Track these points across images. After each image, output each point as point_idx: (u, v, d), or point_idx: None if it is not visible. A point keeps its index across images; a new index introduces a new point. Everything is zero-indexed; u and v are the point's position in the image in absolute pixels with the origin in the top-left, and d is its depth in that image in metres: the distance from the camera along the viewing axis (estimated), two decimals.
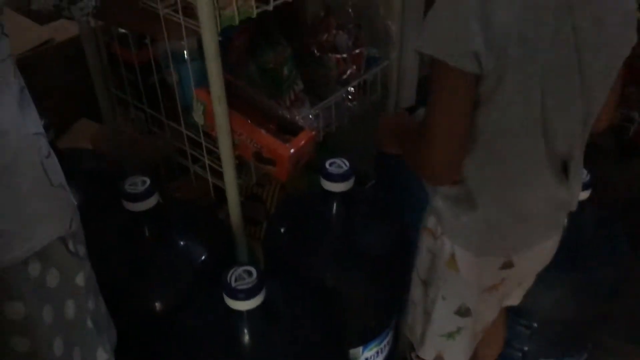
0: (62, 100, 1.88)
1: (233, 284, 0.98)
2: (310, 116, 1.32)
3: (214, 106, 1.17)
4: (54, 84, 1.88)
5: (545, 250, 1.11)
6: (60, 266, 0.86)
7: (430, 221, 1.08)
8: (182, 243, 1.27)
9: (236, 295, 0.98)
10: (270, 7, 1.18)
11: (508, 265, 1.06)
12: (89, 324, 0.94)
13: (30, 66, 1.88)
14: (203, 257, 1.27)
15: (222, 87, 1.15)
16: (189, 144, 1.37)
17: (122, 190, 1.17)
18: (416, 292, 1.17)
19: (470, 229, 1.01)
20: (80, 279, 0.90)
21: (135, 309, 1.21)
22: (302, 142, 1.22)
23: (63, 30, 1.89)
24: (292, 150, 1.19)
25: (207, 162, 1.34)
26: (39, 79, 1.92)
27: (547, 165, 0.95)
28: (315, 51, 1.53)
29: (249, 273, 1.00)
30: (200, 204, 1.47)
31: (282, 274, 1.27)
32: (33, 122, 0.83)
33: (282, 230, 1.33)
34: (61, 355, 0.89)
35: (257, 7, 1.16)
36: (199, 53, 1.32)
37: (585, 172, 1.23)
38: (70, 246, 0.87)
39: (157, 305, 1.18)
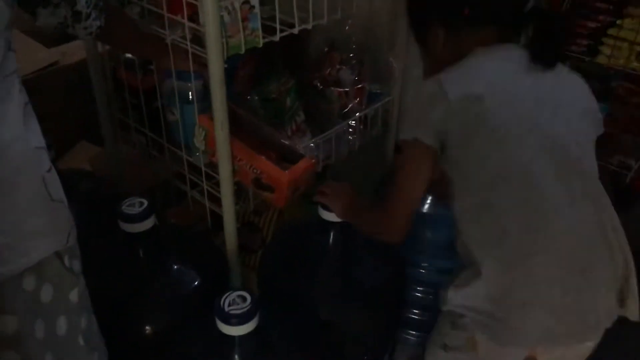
0: (63, 123, 1.89)
1: (226, 309, 0.97)
2: (312, 144, 1.33)
3: (216, 132, 1.18)
4: (56, 106, 1.90)
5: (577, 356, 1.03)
6: (55, 281, 0.86)
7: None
8: (176, 267, 1.26)
9: (229, 320, 0.97)
10: (277, 38, 1.20)
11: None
12: (81, 341, 0.93)
13: (34, 87, 1.89)
14: (197, 282, 1.27)
15: (225, 113, 1.16)
16: (188, 169, 1.38)
17: (119, 211, 1.17)
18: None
19: (484, 310, 0.97)
20: (74, 295, 0.90)
21: (127, 331, 1.20)
22: (301, 169, 1.23)
23: (69, 54, 1.93)
24: (290, 177, 1.20)
25: (205, 187, 1.35)
26: (42, 100, 1.93)
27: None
28: (319, 84, 1.56)
29: (243, 298, 0.99)
30: (196, 229, 1.47)
31: (276, 302, 1.26)
32: (35, 136, 0.84)
33: (277, 258, 1.33)
34: None
35: (263, 38, 1.18)
36: (203, 94, 1.36)
37: None
38: (66, 261, 0.87)
39: (149, 327, 1.17)
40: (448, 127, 0.95)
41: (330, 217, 1.21)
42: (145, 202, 1.19)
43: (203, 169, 1.33)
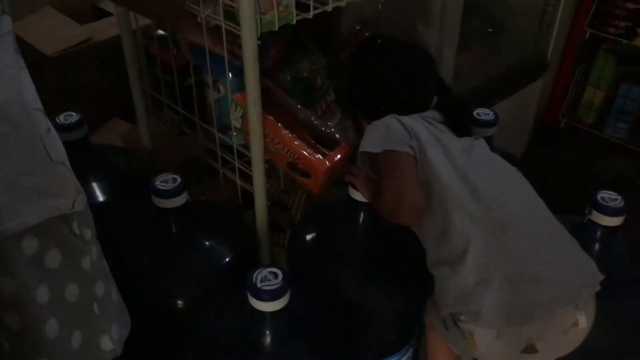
0: (95, 99, 1.91)
1: (258, 284, 0.98)
2: (346, 133, 1.32)
3: (249, 109, 1.18)
4: (89, 82, 1.92)
5: (570, 334, 1.07)
6: (63, 247, 0.84)
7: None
8: (207, 243, 1.28)
9: (260, 295, 0.98)
10: (310, 15, 1.19)
11: (530, 349, 1.05)
12: (96, 309, 0.93)
13: (67, 64, 1.92)
14: (227, 259, 1.28)
15: (259, 90, 1.16)
16: (220, 146, 1.38)
17: (153, 186, 1.18)
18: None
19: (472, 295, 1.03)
20: (85, 263, 0.89)
21: (158, 305, 1.22)
22: (338, 156, 1.23)
23: (102, 30, 1.94)
24: (328, 165, 1.20)
25: (236, 164, 1.35)
26: (75, 76, 1.96)
27: None
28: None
29: (275, 275, 1.00)
30: (227, 207, 1.48)
31: (306, 281, 1.26)
32: (32, 98, 0.82)
33: (307, 238, 1.33)
34: (55, 337, 0.87)
35: (296, 15, 1.17)
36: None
37: (619, 197, 1.21)
38: (75, 228, 0.86)
39: (180, 301, 1.19)
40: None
41: (359, 196, 1.21)
42: (179, 178, 1.20)
43: (235, 147, 1.33)
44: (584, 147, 2.33)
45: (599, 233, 1.21)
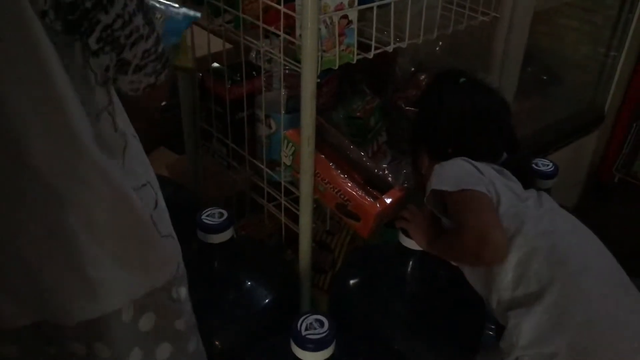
0: (144, 127, 1.92)
1: (303, 332, 0.93)
2: (404, 171, 1.28)
3: (302, 146, 1.15)
4: (138, 109, 1.93)
5: None
6: (159, 312, 0.85)
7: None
8: (250, 281, 1.24)
9: (305, 345, 0.93)
10: (371, 55, 1.17)
11: None
12: None
13: (118, 90, 1.95)
14: (268, 299, 1.23)
15: (314, 128, 1.13)
16: (267, 182, 1.36)
17: (199, 220, 1.15)
18: None
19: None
20: (180, 324, 0.89)
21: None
22: (390, 200, 1.19)
23: None
24: (379, 208, 1.16)
25: (283, 201, 1.32)
26: (125, 103, 1.98)
27: None
28: (403, 105, 1.51)
29: (321, 323, 0.95)
30: (269, 244, 1.44)
31: (348, 327, 1.21)
32: (143, 172, 0.83)
33: (352, 282, 1.28)
34: None
35: (357, 54, 1.15)
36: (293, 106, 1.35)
37: None
38: (173, 292, 0.86)
39: (219, 342, 1.14)
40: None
41: (411, 244, 1.16)
42: (225, 213, 1.17)
43: (283, 183, 1.30)
44: (638, 203, 2.23)
45: None
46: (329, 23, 1.06)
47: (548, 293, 0.97)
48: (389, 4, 1.15)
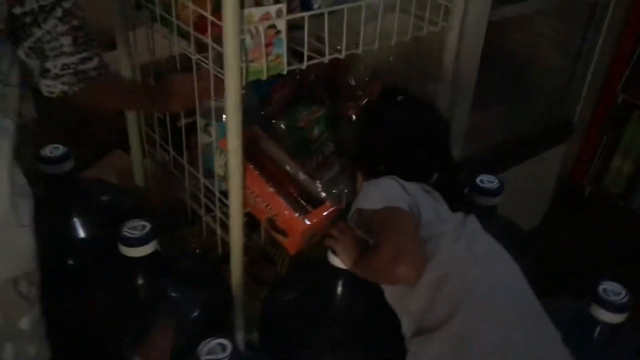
0: (101, 129, 1.88)
1: (203, 358, 0.90)
2: (334, 191, 1.25)
3: (229, 159, 1.11)
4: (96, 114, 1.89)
5: None
6: (5, 307, 0.81)
7: None
8: (175, 296, 1.20)
9: None
10: (304, 66, 1.13)
11: None
12: None
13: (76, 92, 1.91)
14: (195, 314, 1.20)
15: (240, 140, 1.09)
16: (206, 192, 1.32)
17: (119, 234, 1.11)
18: None
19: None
20: (25, 323, 0.84)
21: (117, 357, 1.14)
22: (319, 217, 1.15)
23: (112, 62, 1.92)
24: (306, 225, 1.12)
25: (218, 214, 1.28)
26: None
27: None
28: (353, 115, 1.47)
29: (223, 348, 0.91)
30: (209, 255, 1.40)
31: (276, 344, 1.18)
32: None
33: (281, 300, 1.25)
34: None
35: (290, 64, 1.11)
36: None
37: (624, 291, 1.09)
38: (22, 287, 0.82)
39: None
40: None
41: (338, 262, 1.12)
42: (148, 226, 1.13)
43: (217, 195, 1.26)
44: (607, 218, 2.19)
45: (597, 329, 1.08)
46: (254, 33, 1.02)
47: (451, 322, 0.94)
48: (322, 14, 1.11)
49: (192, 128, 1.36)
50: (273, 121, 1.38)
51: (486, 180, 1.34)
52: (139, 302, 1.17)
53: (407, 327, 1.02)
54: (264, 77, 1.07)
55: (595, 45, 1.92)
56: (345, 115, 1.50)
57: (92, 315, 1.18)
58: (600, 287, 1.10)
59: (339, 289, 1.15)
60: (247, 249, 1.56)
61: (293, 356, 1.16)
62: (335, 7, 1.15)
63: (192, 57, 1.14)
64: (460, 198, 1.20)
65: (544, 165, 2.07)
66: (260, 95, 1.51)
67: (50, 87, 0.92)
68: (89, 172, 1.83)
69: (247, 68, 1.04)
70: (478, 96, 1.79)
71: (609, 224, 2.16)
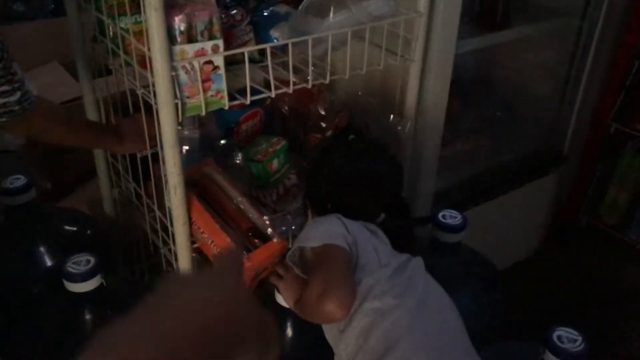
0: (82, 157, 1.90)
1: None
2: (283, 227, 1.23)
3: (170, 196, 1.10)
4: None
5: None
6: None
7: None
8: None
9: None
10: (247, 101, 1.11)
11: None
12: None
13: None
14: None
15: (180, 177, 1.08)
16: (161, 225, 1.31)
17: (63, 269, 1.10)
18: None
19: None
20: None
21: None
22: (263, 255, 1.12)
23: (99, 90, 1.95)
24: (248, 264, 1.10)
25: (172, 247, 1.26)
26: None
27: None
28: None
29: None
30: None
31: None
32: None
33: None
34: None
35: (234, 100, 1.10)
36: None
37: (580, 338, 1.03)
38: None
39: None
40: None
41: (284, 302, 1.09)
42: (93, 260, 1.12)
43: (170, 229, 1.25)
44: (603, 250, 2.10)
45: None
46: (189, 69, 1.01)
47: None
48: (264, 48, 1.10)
49: (157, 158, 1.35)
50: (232, 153, 1.37)
51: (449, 216, 1.30)
52: (84, 337, 1.15)
53: None
54: (203, 112, 1.06)
55: (582, 73, 1.87)
56: (310, 146, 1.49)
57: (38, 349, 1.17)
58: (555, 334, 1.04)
59: (285, 329, 1.12)
60: None
61: None
62: (300, 39, 1.14)
63: (138, 92, 1.14)
64: (408, 238, 1.18)
65: (534, 195, 2.01)
66: (227, 125, 1.50)
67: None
68: (65, 201, 1.84)
69: (183, 104, 1.03)
70: (456, 125, 1.76)
71: (604, 257, 2.08)
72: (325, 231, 1.04)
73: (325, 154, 1.25)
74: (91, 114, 1.46)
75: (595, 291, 1.93)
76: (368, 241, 1.05)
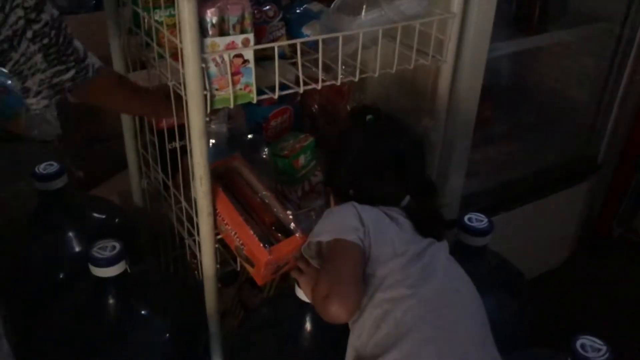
0: (113, 148, 1.94)
1: None
2: (307, 224, 1.22)
3: (196, 186, 1.11)
4: (114, 129, 1.95)
5: None
6: None
7: None
8: (144, 320, 1.20)
9: None
10: (276, 96, 1.12)
11: None
12: None
13: (95, 109, 1.98)
14: (167, 335, 1.20)
15: (206, 168, 1.09)
16: (187, 216, 1.32)
17: (89, 253, 1.13)
18: None
19: None
20: None
21: None
22: (286, 249, 1.13)
23: (141, 80, 1.98)
24: (269, 258, 1.10)
25: (197, 238, 1.28)
26: (100, 122, 2.01)
27: None
28: None
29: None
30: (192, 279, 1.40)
31: None
32: None
33: (253, 326, 1.23)
34: None
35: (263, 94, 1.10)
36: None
37: (604, 347, 1.01)
38: None
39: None
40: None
41: (303, 296, 1.09)
42: (118, 246, 1.14)
43: (195, 220, 1.26)
44: (635, 263, 2.04)
45: None
46: (219, 61, 1.02)
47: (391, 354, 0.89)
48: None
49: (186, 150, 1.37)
50: (260, 148, 1.38)
51: (475, 219, 1.28)
52: (108, 321, 1.18)
53: (348, 356, 0.98)
54: (231, 105, 1.07)
55: (621, 80, 1.82)
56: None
57: (62, 333, 1.20)
58: (579, 342, 1.02)
59: (303, 323, 1.12)
60: (235, 275, 1.57)
61: None
62: (330, 35, 1.14)
63: (169, 84, 1.16)
64: (435, 219, 1.13)
65: (565, 204, 1.97)
66: (256, 121, 1.52)
67: (34, 105, 1.00)
68: (96, 190, 1.88)
69: (212, 96, 1.04)
70: (488, 130, 1.73)
71: (636, 271, 2.02)
72: (337, 224, 1.02)
73: (344, 138, 1.21)
74: None
75: (625, 305, 1.88)
76: (385, 229, 1.03)
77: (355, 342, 0.97)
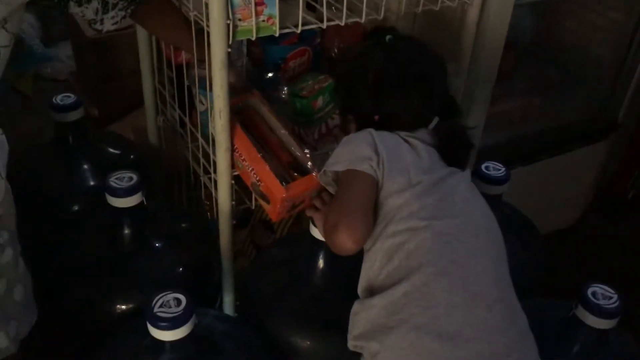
0: (129, 86, 1.93)
1: (156, 310, 0.90)
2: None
3: (215, 119, 1.10)
4: (129, 66, 1.93)
5: None
6: None
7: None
8: (158, 251, 1.22)
9: (158, 324, 0.89)
10: (298, 30, 1.10)
11: None
12: None
13: (113, 46, 1.96)
14: (180, 269, 1.22)
15: (226, 100, 1.08)
16: (203, 153, 1.32)
17: (106, 183, 1.13)
18: None
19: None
20: None
21: (96, 306, 1.17)
22: (302, 187, 1.12)
23: None
24: (285, 194, 1.10)
25: (213, 175, 1.28)
26: (118, 59, 2.00)
27: None
28: None
29: (178, 301, 0.91)
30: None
31: (251, 315, 1.17)
32: None
33: (264, 265, 1.24)
34: None
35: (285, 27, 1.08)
36: None
37: (615, 296, 1.01)
38: None
39: (118, 307, 1.15)
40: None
41: (318, 234, 1.09)
42: (135, 177, 1.14)
43: (212, 157, 1.26)
44: None
45: (582, 334, 1.01)
46: None
47: (393, 291, 0.90)
48: None
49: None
50: (278, 87, 1.36)
51: (492, 167, 1.27)
52: (123, 252, 1.19)
53: (361, 289, 0.98)
54: (253, 37, 1.05)
55: None
56: None
57: (77, 262, 1.22)
58: (590, 290, 1.02)
59: (317, 261, 1.12)
60: (249, 215, 1.58)
61: (265, 325, 1.15)
62: None
63: (190, 14, 1.14)
64: (463, 141, 1.10)
65: (581, 162, 1.95)
66: (275, 62, 1.49)
67: (115, 17, 1.06)
68: (111, 127, 1.88)
69: (234, 26, 1.02)
70: (508, 82, 1.70)
71: None
72: (351, 154, 0.99)
73: (362, 61, 1.13)
74: (142, 38, 1.46)
75: (636, 265, 1.88)
76: (402, 158, 0.99)
77: (368, 270, 0.97)
